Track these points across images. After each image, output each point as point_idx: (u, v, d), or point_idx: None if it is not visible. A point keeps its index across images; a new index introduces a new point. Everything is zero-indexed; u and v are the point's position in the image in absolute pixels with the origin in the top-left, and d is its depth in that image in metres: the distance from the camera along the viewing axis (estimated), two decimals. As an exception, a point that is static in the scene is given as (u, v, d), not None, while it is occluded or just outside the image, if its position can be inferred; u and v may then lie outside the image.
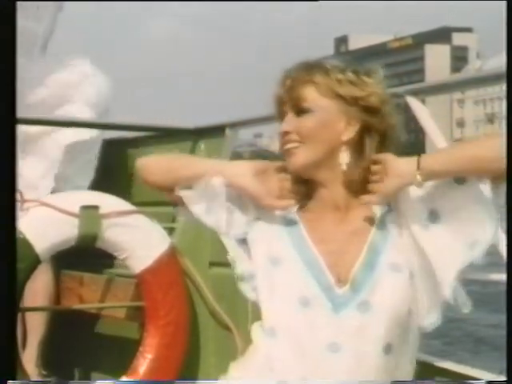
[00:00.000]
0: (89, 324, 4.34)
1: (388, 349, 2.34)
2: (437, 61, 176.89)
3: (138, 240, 3.77)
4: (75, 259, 3.92)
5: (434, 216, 2.36)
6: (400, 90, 3.23)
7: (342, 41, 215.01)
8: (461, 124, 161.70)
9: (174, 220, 3.97)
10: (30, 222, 3.69)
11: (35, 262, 3.66)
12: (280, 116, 2.43)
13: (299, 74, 2.42)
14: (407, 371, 2.46)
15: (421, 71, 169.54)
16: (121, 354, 3.91)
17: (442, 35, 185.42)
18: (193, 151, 4.01)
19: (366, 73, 2.43)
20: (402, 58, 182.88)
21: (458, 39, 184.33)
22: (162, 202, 3.98)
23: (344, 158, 2.36)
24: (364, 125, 2.36)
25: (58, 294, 4.18)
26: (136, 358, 3.74)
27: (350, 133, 2.34)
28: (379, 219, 2.39)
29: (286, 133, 2.38)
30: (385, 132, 2.40)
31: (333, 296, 2.36)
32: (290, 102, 2.40)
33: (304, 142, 2.37)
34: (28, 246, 3.62)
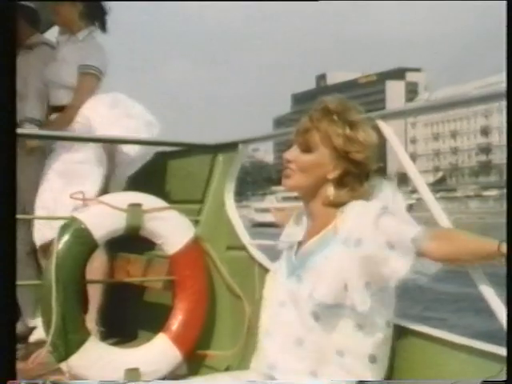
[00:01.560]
0: (134, 293, 4.40)
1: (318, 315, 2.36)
2: (395, 93, 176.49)
3: (171, 230, 3.81)
4: (124, 244, 3.94)
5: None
6: (371, 114, 3.27)
7: (321, 77, 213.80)
8: (413, 141, 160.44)
9: (198, 214, 3.97)
10: (89, 215, 3.69)
11: (94, 246, 3.67)
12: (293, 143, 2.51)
13: (312, 118, 2.46)
14: (385, 332, 2.43)
15: (383, 101, 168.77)
16: (158, 315, 3.91)
17: (398, 73, 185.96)
18: (212, 163, 4.03)
19: (361, 127, 2.44)
20: (368, 91, 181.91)
21: (410, 76, 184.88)
22: (189, 200, 4.11)
23: (329, 190, 2.43)
24: (347, 169, 2.42)
25: (111, 271, 4.19)
26: (169, 318, 3.77)
27: (334, 174, 2.42)
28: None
29: (288, 160, 2.47)
30: (364, 174, 2.47)
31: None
32: (298, 139, 2.48)
33: (299, 171, 2.46)
34: (88, 233, 3.62)
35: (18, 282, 3.94)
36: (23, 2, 4.75)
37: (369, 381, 2.38)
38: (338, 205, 2.44)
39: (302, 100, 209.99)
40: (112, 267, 4.15)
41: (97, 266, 4.08)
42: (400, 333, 2.65)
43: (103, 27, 4.67)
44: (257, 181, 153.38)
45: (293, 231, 2.65)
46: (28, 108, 4.52)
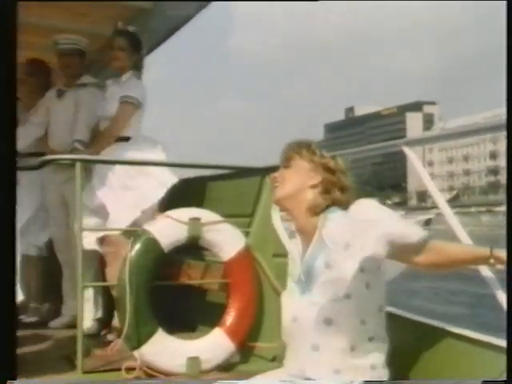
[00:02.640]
0: (194, 294, 4.40)
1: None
2: (414, 123, 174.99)
3: (225, 239, 3.85)
4: (186, 251, 3.98)
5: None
6: (397, 142, 3.28)
7: (350, 110, 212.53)
8: (430, 164, 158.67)
9: (248, 226, 4.00)
10: (157, 227, 3.74)
11: (161, 253, 3.70)
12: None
13: (293, 148, 2.58)
14: (377, 316, 2.44)
15: (403, 130, 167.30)
16: (214, 312, 3.93)
17: (416, 106, 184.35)
18: (261, 183, 4.05)
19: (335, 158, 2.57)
20: (390, 122, 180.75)
21: (426, 109, 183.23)
22: (240, 215, 4.12)
23: (310, 195, 2.49)
24: (326, 177, 2.50)
25: (175, 274, 4.14)
26: (224, 315, 3.81)
27: (314, 181, 2.50)
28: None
29: (274, 177, 2.59)
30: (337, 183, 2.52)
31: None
32: (282, 163, 2.59)
33: (282, 184, 2.54)
34: (156, 242, 3.68)
35: (87, 284, 4.05)
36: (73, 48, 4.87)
37: (374, 381, 2.37)
38: (319, 210, 2.47)
39: (333, 129, 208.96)
40: (175, 271, 4.14)
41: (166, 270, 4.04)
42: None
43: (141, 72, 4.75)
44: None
45: (291, 247, 2.71)
46: (78, 132, 4.65)
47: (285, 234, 3.82)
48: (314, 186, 2.49)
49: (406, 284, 15.14)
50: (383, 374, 2.43)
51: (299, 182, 2.51)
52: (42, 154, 4.76)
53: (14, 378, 2.37)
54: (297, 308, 2.48)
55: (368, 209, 2.40)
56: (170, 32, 5.81)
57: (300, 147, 2.56)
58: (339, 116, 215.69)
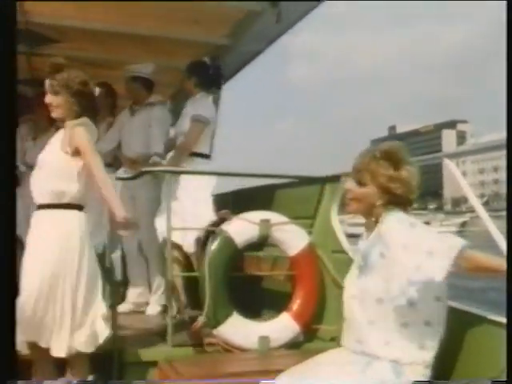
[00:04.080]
0: (264, 283, 4.45)
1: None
2: (448, 139, 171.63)
3: (291, 238, 3.80)
4: (257, 248, 3.96)
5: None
6: (438, 154, 3.22)
7: (392, 128, 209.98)
8: (464, 174, 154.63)
9: (311, 227, 3.95)
10: (232, 227, 3.75)
11: (235, 249, 3.71)
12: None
13: (364, 162, 2.46)
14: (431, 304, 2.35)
15: (439, 145, 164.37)
16: (282, 300, 3.90)
17: (450, 124, 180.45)
18: (321, 190, 4.00)
19: (404, 167, 2.41)
20: (428, 138, 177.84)
21: (459, 127, 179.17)
22: (304, 217, 4.05)
23: (377, 213, 2.43)
24: (389, 200, 2.41)
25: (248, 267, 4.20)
26: (290, 302, 3.78)
27: (379, 202, 2.41)
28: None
29: (346, 189, 2.51)
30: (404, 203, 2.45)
31: None
32: (353, 175, 2.49)
33: (354, 201, 2.48)
34: (231, 240, 3.69)
35: (181, 274, 4.08)
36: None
37: None
38: (380, 215, 2.41)
39: (378, 144, 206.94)
40: (248, 264, 4.14)
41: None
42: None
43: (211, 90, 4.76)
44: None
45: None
46: (155, 146, 4.62)
47: (342, 234, 3.81)
48: (378, 206, 2.43)
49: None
50: (428, 356, 2.34)
51: (367, 203, 2.44)
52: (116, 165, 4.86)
53: (14, 378, 2.22)
54: (355, 287, 2.46)
55: (420, 233, 2.33)
56: (242, 65, 5.84)
57: (370, 162, 2.44)
58: (383, 133, 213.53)
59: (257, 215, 3.82)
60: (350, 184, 2.50)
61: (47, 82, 3.14)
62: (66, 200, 3.02)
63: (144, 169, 4.18)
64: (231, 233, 3.73)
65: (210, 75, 4.67)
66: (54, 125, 5.12)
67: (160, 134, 4.70)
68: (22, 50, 4.97)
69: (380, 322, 2.36)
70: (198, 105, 4.50)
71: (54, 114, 3.13)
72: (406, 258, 2.24)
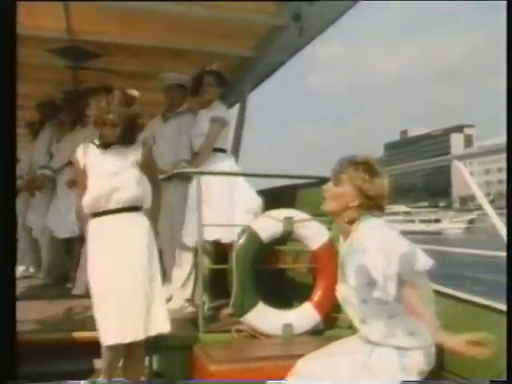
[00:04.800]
0: (288, 275, 4.42)
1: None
2: (456, 142, 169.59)
3: (313, 233, 3.79)
4: (281, 242, 3.94)
5: None
6: (448, 157, 3.17)
7: (404, 132, 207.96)
8: (471, 175, 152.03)
9: (330, 223, 3.83)
10: (258, 224, 3.74)
11: (261, 244, 3.69)
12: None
13: (343, 165, 2.44)
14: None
15: (448, 147, 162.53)
16: (304, 290, 3.89)
17: (458, 129, 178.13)
18: None
19: (378, 175, 2.39)
20: (437, 141, 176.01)
21: (466, 131, 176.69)
22: (324, 214, 4.02)
23: (350, 214, 2.40)
24: (363, 202, 2.38)
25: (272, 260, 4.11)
26: (312, 292, 3.77)
27: (354, 203, 2.38)
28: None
29: (324, 190, 2.49)
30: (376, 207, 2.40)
31: None
32: (333, 177, 2.47)
33: (330, 199, 2.45)
34: (257, 236, 3.67)
35: (211, 266, 4.07)
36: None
37: None
38: (354, 221, 2.40)
39: (390, 148, 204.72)
40: (273, 258, 4.12)
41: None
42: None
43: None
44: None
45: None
46: (183, 153, 4.56)
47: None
48: (352, 207, 2.40)
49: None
50: (421, 339, 2.33)
51: (342, 202, 2.41)
52: None
53: (14, 378, 2.10)
54: (342, 291, 2.47)
55: (384, 239, 2.27)
56: (267, 75, 5.85)
57: (348, 166, 2.43)
58: (395, 137, 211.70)
59: (281, 213, 3.80)
60: (328, 184, 2.49)
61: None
62: (133, 204, 3.08)
63: (175, 171, 4.20)
64: (257, 229, 3.73)
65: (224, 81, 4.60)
66: (78, 124, 5.29)
67: (187, 141, 4.67)
68: (69, 65, 5.05)
69: (370, 318, 2.37)
70: (215, 109, 4.47)
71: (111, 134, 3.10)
72: (380, 260, 2.20)
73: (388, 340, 2.34)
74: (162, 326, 3.04)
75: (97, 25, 4.42)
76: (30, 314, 3.85)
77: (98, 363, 3.06)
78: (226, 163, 4.43)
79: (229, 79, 4.62)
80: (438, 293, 2.75)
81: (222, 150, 4.50)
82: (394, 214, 65.86)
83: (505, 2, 2.22)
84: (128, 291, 2.96)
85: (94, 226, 3.08)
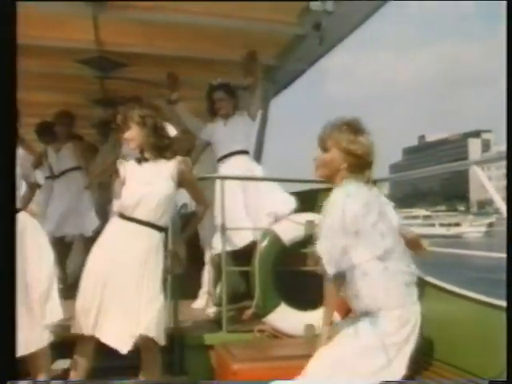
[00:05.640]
0: (309, 277, 4.23)
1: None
2: (474, 147, 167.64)
3: None
4: (302, 245, 3.95)
5: None
6: (466, 162, 3.16)
7: (422, 137, 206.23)
8: (489, 179, 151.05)
9: None
10: (280, 227, 3.79)
11: (283, 247, 3.74)
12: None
13: (327, 130, 2.48)
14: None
15: (466, 152, 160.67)
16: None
17: (475, 134, 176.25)
18: None
19: (362, 133, 2.45)
20: (455, 146, 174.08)
21: (484, 135, 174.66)
22: None
23: (341, 176, 2.44)
24: (352, 162, 2.42)
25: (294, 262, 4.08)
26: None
27: (344, 165, 2.43)
28: None
29: (315, 159, 2.51)
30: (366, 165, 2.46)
31: None
32: (321, 145, 2.50)
33: (321, 166, 2.49)
34: (279, 239, 3.73)
35: (234, 268, 4.10)
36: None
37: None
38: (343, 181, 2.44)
39: (409, 152, 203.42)
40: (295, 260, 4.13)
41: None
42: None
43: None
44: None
45: None
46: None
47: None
48: (343, 169, 2.43)
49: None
50: (414, 310, 2.41)
51: (332, 167, 2.45)
52: None
53: (14, 378, 2.05)
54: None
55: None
56: (288, 83, 5.88)
57: (333, 131, 2.47)
58: (413, 142, 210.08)
59: (302, 216, 3.84)
60: (317, 153, 2.51)
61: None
62: (158, 222, 3.06)
63: (200, 175, 4.22)
64: (279, 232, 3.76)
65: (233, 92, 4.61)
66: (71, 137, 5.59)
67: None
68: (97, 75, 5.14)
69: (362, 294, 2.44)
70: (236, 122, 4.49)
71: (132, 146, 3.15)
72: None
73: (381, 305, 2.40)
74: (145, 330, 2.94)
75: (124, 36, 4.49)
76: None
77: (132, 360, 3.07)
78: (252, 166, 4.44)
79: (239, 85, 4.65)
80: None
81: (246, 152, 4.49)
82: (414, 217, 65.09)
83: (505, 2, 2.21)
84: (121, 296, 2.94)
85: (115, 224, 3.09)
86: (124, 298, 2.93)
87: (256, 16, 4.13)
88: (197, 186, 3.35)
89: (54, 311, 3.00)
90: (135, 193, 3.03)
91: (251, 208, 4.15)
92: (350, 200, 2.35)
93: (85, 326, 2.93)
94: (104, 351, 2.90)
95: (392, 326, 2.36)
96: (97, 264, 3.00)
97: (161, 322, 2.95)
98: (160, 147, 3.10)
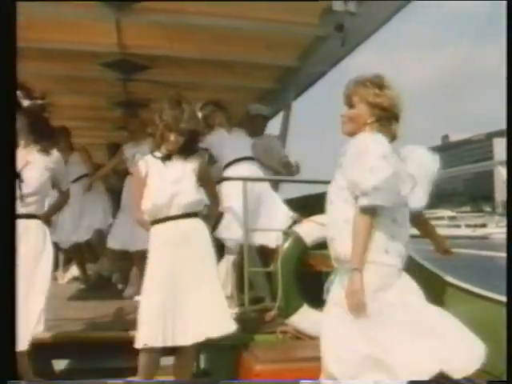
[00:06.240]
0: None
1: None
2: (500, 147, 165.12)
3: None
4: (324, 246, 3.95)
5: None
6: (490, 162, 3.14)
7: (445, 137, 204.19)
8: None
9: None
10: (303, 228, 3.80)
11: (305, 247, 3.75)
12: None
13: (351, 87, 2.47)
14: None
15: (491, 152, 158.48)
16: None
17: (501, 133, 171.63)
18: None
19: (386, 87, 2.43)
20: (480, 146, 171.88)
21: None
22: None
23: (367, 128, 2.40)
24: (379, 115, 2.41)
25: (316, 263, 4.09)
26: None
27: (371, 119, 2.41)
28: None
29: (341, 115, 2.48)
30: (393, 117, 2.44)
31: None
32: (346, 101, 2.49)
33: (348, 122, 2.46)
34: (301, 239, 3.73)
35: (253, 269, 4.11)
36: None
37: None
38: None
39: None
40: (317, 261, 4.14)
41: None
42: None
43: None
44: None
45: None
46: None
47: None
48: (371, 123, 2.43)
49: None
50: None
51: (360, 121, 2.44)
52: None
53: (14, 378, 2.03)
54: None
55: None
56: (309, 84, 5.88)
57: (357, 87, 2.46)
58: (437, 142, 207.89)
59: (324, 217, 3.79)
60: (343, 110, 2.51)
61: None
62: (192, 210, 3.12)
63: (223, 176, 4.26)
64: (301, 233, 3.76)
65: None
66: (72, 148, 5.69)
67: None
68: (119, 77, 5.21)
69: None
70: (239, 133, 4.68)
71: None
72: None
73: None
74: (227, 326, 3.04)
75: (146, 39, 4.55)
76: (83, 314, 4.00)
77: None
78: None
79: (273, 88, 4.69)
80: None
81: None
82: (439, 218, 64.26)
83: (505, 2, 2.19)
84: (190, 295, 2.98)
85: (155, 234, 3.11)
86: (196, 295, 2.98)
87: (277, 18, 4.14)
88: (214, 185, 3.42)
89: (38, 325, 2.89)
90: (165, 192, 3.05)
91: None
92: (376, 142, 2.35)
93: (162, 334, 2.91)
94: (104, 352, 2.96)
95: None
96: (162, 282, 2.99)
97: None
98: (190, 149, 3.16)
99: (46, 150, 3.09)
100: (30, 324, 2.80)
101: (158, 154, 3.16)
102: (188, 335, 2.93)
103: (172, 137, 3.09)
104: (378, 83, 2.45)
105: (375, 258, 2.30)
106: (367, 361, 2.25)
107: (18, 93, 2.75)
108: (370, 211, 2.27)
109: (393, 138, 2.46)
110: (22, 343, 2.65)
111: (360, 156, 2.30)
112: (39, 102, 3.07)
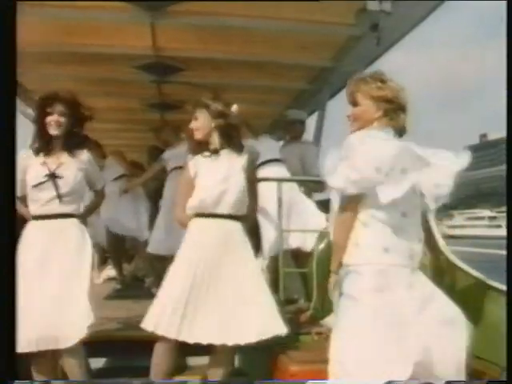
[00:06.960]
0: None
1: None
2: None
3: None
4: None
5: None
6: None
7: (483, 135, 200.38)
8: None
9: None
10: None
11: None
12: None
13: (353, 85, 2.48)
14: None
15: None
16: None
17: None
18: None
19: (388, 80, 2.43)
20: None
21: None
22: None
23: (375, 123, 2.41)
24: (385, 108, 2.41)
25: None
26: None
27: (378, 114, 2.41)
28: None
29: (347, 115, 2.49)
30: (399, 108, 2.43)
31: None
32: (350, 100, 2.50)
33: (355, 121, 2.45)
34: (327, 235, 3.73)
35: (288, 269, 4.12)
36: None
37: None
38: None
39: (470, 151, 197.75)
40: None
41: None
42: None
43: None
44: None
45: None
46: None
47: (439, 235, 3.71)
48: (378, 118, 2.42)
49: None
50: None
51: (367, 118, 2.43)
52: None
53: (15, 378, 2.04)
54: None
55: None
56: (344, 85, 5.85)
57: (358, 84, 2.47)
58: (475, 141, 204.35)
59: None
60: (349, 110, 2.50)
61: None
62: (238, 210, 3.13)
63: (261, 177, 4.29)
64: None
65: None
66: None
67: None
68: (153, 79, 5.30)
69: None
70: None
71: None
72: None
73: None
74: (278, 328, 3.06)
75: (179, 41, 4.62)
76: (118, 313, 4.09)
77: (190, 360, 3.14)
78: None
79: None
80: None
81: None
82: (479, 218, 62.73)
83: (504, 2, 2.17)
84: (226, 296, 2.99)
85: (196, 226, 3.10)
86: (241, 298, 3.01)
87: (311, 18, 4.16)
88: (257, 183, 3.37)
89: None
90: (214, 189, 3.06)
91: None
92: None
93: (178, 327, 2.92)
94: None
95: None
96: (191, 266, 3.00)
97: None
98: (236, 143, 3.19)
99: (77, 154, 3.14)
100: (80, 320, 2.83)
101: (206, 153, 3.16)
102: (229, 335, 2.96)
103: (220, 132, 3.12)
104: (379, 77, 2.46)
105: (370, 260, 2.37)
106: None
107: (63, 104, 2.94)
108: (342, 208, 2.39)
109: (402, 131, 2.46)
110: (70, 341, 2.73)
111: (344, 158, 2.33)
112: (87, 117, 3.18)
